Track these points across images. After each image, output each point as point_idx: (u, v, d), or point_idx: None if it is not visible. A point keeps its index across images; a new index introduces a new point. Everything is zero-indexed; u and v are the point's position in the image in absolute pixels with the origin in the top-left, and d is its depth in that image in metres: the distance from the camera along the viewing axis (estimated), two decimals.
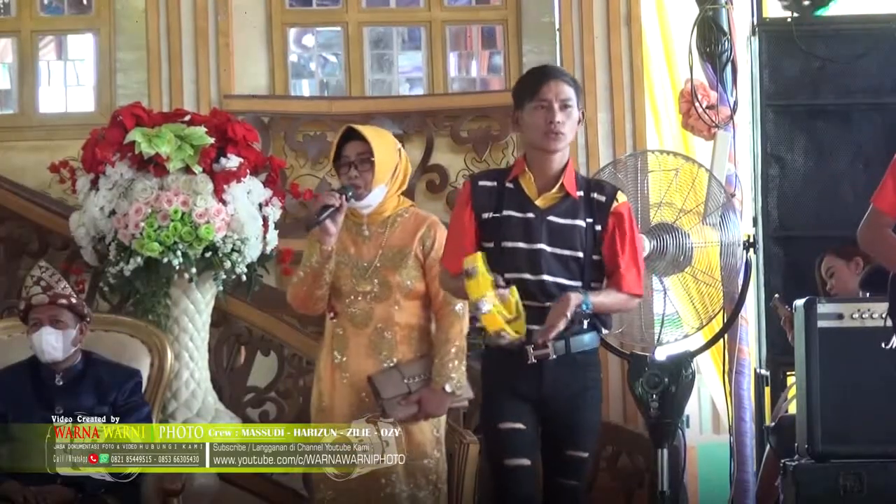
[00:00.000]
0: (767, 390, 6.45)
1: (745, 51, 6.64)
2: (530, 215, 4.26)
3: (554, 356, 4.21)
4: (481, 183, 4.34)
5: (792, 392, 5.95)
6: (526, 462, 4.26)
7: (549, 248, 4.23)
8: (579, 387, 4.29)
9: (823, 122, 6.52)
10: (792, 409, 5.82)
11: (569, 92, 4.25)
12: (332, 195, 4.54)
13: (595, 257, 4.28)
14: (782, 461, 5.36)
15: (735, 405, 6.22)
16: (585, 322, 4.27)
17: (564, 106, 4.23)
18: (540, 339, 4.14)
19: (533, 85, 4.27)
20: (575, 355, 4.26)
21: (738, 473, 6.20)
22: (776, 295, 6.23)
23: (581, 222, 4.26)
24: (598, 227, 4.27)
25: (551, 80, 4.25)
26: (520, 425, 4.25)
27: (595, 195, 4.29)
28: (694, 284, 5.15)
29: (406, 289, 4.63)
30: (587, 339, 4.29)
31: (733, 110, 6.40)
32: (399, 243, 4.66)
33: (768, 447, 5.97)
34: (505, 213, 4.27)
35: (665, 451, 5.07)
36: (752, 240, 5.32)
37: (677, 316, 5.26)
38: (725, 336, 6.01)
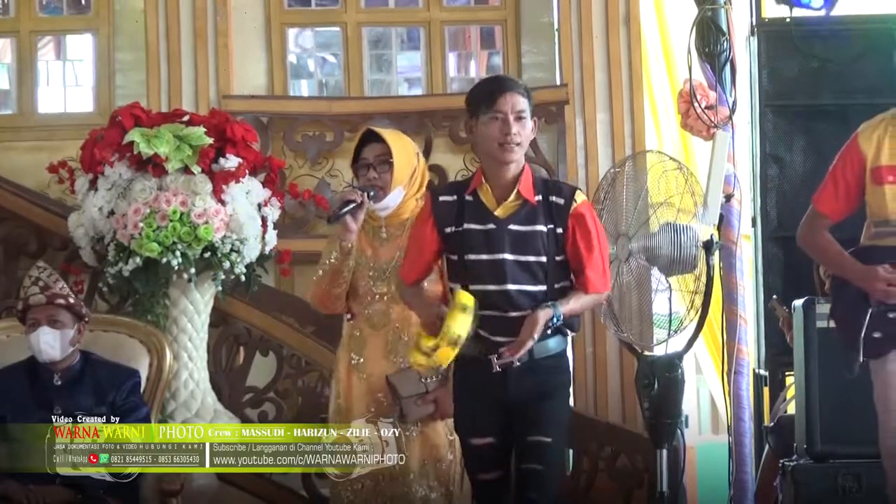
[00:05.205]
0: (766, 390, 6.45)
1: (744, 51, 6.64)
2: (491, 226, 4.27)
3: (518, 363, 4.21)
4: (442, 198, 4.35)
5: (791, 392, 5.95)
6: (498, 474, 4.33)
7: (511, 257, 4.24)
8: (545, 391, 4.29)
9: (822, 123, 6.52)
10: (791, 409, 5.83)
11: (523, 103, 4.27)
12: (353, 191, 4.58)
13: (558, 258, 4.28)
14: (781, 461, 5.37)
15: (734, 405, 6.21)
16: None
17: (519, 118, 4.25)
18: (507, 353, 4.15)
19: (488, 96, 4.28)
20: (539, 361, 4.26)
21: (737, 474, 6.20)
22: (774, 296, 6.23)
23: (542, 227, 4.27)
24: (560, 231, 4.28)
25: (507, 92, 4.26)
26: (489, 440, 4.31)
27: (553, 198, 4.30)
28: (691, 282, 5.15)
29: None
30: (552, 345, 4.29)
31: (732, 110, 6.39)
32: None
33: (767, 447, 5.97)
34: (466, 226, 4.29)
35: (664, 451, 5.07)
36: (713, 239, 5.26)
37: (675, 315, 5.25)
38: (725, 336, 6.03)
